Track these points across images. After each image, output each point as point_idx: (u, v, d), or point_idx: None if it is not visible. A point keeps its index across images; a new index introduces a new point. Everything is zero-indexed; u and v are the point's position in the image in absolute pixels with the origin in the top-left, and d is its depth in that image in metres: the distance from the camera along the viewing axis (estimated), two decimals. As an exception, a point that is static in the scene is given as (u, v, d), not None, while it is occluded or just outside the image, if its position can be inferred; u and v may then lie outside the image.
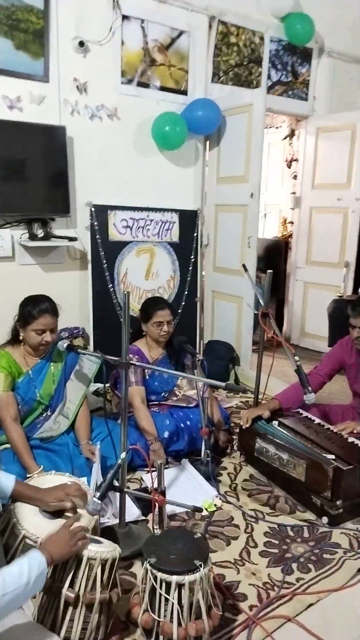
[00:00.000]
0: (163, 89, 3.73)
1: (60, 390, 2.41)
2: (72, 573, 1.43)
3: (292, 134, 5.12)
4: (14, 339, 2.34)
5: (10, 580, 1.22)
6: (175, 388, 2.89)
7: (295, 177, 4.93)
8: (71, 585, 1.43)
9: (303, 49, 4.38)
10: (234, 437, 2.87)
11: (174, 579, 1.44)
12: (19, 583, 1.22)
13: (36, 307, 2.27)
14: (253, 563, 1.95)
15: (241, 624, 1.66)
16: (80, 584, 1.43)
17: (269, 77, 4.26)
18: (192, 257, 3.99)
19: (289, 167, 5.22)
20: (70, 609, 1.43)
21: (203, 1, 3.75)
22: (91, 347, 3.56)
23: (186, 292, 4.01)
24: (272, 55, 4.23)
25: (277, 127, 5.61)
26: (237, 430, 2.78)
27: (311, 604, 1.76)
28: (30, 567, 1.27)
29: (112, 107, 3.50)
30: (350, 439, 2.39)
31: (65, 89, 3.30)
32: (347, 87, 4.67)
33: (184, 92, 3.83)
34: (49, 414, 2.40)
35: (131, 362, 1.98)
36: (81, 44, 3.25)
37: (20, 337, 2.32)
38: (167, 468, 2.46)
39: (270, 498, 2.37)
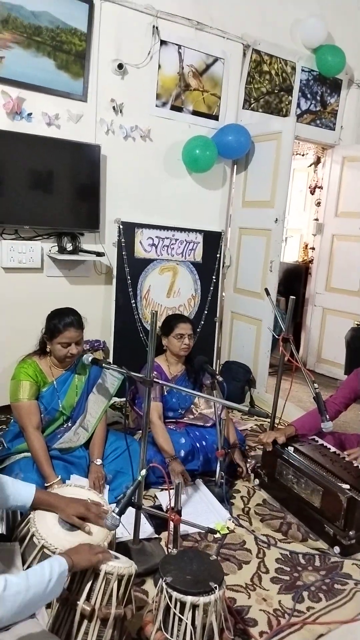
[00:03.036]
0: (195, 113, 3.82)
1: (82, 403, 2.45)
2: (89, 586, 1.45)
3: (317, 162, 5.18)
4: (42, 350, 2.39)
5: (34, 577, 1.25)
6: (192, 406, 2.91)
7: (318, 203, 4.98)
8: (87, 598, 1.44)
9: (333, 80, 4.46)
10: (249, 459, 2.87)
11: (189, 599, 1.46)
12: (42, 579, 1.25)
13: (62, 320, 2.32)
14: (264, 589, 1.96)
15: (251, 649, 1.67)
16: (97, 598, 1.45)
17: (298, 105, 4.34)
18: (213, 277, 4.04)
19: (313, 194, 5.27)
20: (85, 622, 1.44)
21: (239, 30, 3.85)
22: (111, 360, 3.60)
23: (206, 312, 4.05)
24: (302, 85, 4.32)
25: (303, 154, 5.68)
26: (252, 453, 2.78)
27: (321, 634, 1.75)
28: (51, 566, 1.30)
29: (145, 128, 3.59)
30: (366, 470, 2.40)
31: (102, 109, 3.40)
32: (375, 119, 4.73)
33: (216, 117, 3.92)
34: (69, 425, 2.43)
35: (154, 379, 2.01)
36: (120, 66, 3.36)
37: (47, 349, 2.37)
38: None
39: (283, 524, 2.37)
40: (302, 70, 4.27)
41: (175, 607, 1.47)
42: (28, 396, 2.28)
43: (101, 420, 2.48)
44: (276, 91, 4.19)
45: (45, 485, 2.12)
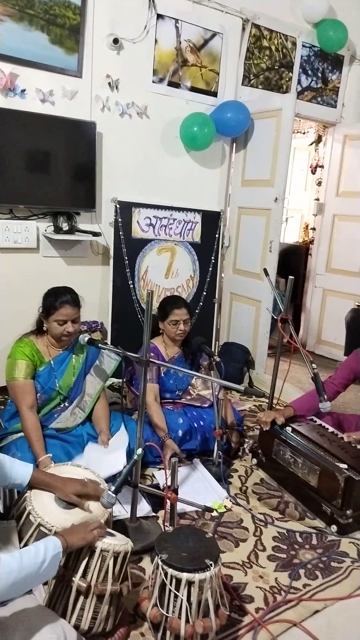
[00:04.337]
0: (193, 89, 3.75)
1: (79, 383, 2.44)
2: (84, 563, 1.46)
3: (318, 140, 5.11)
4: (39, 330, 2.38)
5: (27, 557, 1.26)
6: (189, 387, 2.91)
7: (319, 183, 4.91)
8: (84, 575, 1.45)
9: (334, 56, 4.37)
10: (246, 439, 2.88)
11: (185, 576, 1.46)
12: (35, 560, 1.26)
13: (58, 298, 2.31)
14: (261, 566, 1.97)
15: (247, 625, 1.68)
16: (93, 575, 1.46)
17: (298, 82, 4.25)
18: (212, 258, 4.00)
19: (314, 173, 5.20)
20: (82, 598, 1.45)
21: (237, 3, 3.76)
22: (109, 341, 3.59)
23: (205, 293, 4.02)
24: (303, 61, 4.23)
25: (303, 133, 5.60)
26: (250, 433, 2.78)
27: (317, 611, 1.77)
28: (46, 548, 1.31)
29: (142, 105, 3.52)
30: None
31: (97, 85, 3.33)
32: (377, 96, 4.64)
33: (214, 94, 3.84)
34: (66, 404, 2.43)
35: (150, 360, 1.99)
36: (115, 41, 3.28)
37: (44, 328, 2.35)
38: (179, 466, 2.48)
39: (280, 503, 2.38)
40: (303, 45, 4.18)
41: (170, 584, 1.48)
42: (24, 375, 2.27)
43: (101, 397, 2.48)
44: (276, 67, 4.10)
45: (36, 463, 2.11)
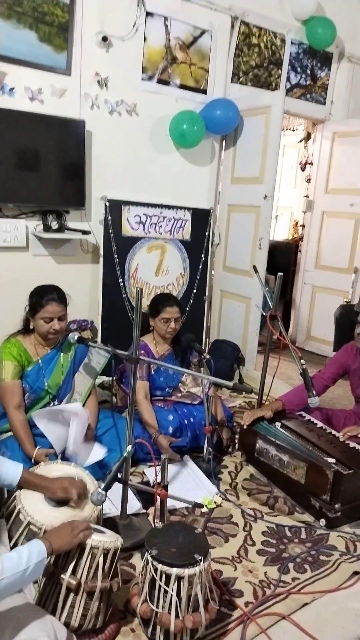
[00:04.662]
0: (183, 87, 3.75)
1: (68, 382, 2.43)
2: (74, 560, 1.47)
3: (307, 137, 5.13)
4: (26, 329, 2.38)
5: (9, 565, 1.25)
6: (180, 384, 2.92)
7: (309, 180, 4.94)
8: (73, 572, 1.46)
9: (323, 53, 4.38)
10: (236, 436, 2.90)
11: (174, 571, 1.48)
12: (17, 569, 1.26)
13: (43, 296, 2.30)
14: (250, 561, 1.99)
15: (236, 619, 1.69)
16: (83, 572, 1.47)
17: (288, 79, 4.27)
18: (202, 255, 4.02)
19: (303, 170, 5.22)
20: (72, 595, 1.46)
21: (226, 1, 3.76)
22: (99, 340, 3.59)
23: (195, 290, 4.03)
24: (292, 58, 4.24)
25: (293, 130, 5.62)
26: (239, 429, 2.81)
27: (306, 604, 1.79)
28: (29, 555, 1.30)
29: (131, 102, 3.52)
30: (352, 444, 2.42)
31: (86, 83, 3.32)
32: (366, 93, 4.67)
33: (203, 91, 3.85)
34: (56, 403, 2.42)
35: (140, 357, 2.00)
36: (104, 38, 3.27)
37: (31, 327, 2.35)
38: (169, 463, 2.49)
39: (270, 498, 2.40)
40: (292, 43, 4.19)
41: (160, 579, 1.49)
42: (11, 376, 2.26)
43: (92, 394, 2.49)
44: (265, 64, 4.11)
45: (33, 461, 2.11)
